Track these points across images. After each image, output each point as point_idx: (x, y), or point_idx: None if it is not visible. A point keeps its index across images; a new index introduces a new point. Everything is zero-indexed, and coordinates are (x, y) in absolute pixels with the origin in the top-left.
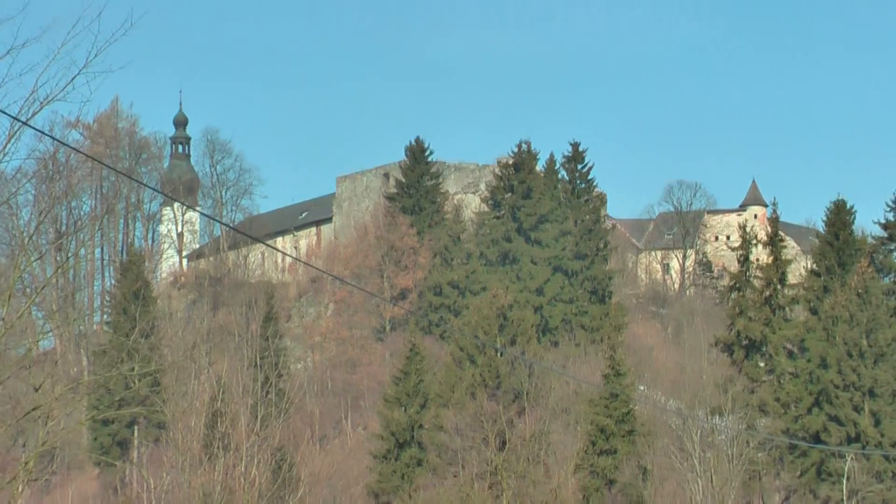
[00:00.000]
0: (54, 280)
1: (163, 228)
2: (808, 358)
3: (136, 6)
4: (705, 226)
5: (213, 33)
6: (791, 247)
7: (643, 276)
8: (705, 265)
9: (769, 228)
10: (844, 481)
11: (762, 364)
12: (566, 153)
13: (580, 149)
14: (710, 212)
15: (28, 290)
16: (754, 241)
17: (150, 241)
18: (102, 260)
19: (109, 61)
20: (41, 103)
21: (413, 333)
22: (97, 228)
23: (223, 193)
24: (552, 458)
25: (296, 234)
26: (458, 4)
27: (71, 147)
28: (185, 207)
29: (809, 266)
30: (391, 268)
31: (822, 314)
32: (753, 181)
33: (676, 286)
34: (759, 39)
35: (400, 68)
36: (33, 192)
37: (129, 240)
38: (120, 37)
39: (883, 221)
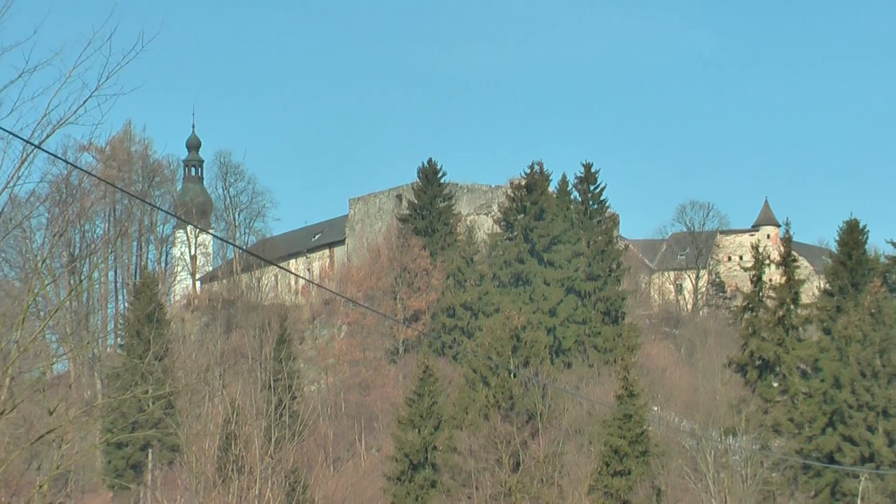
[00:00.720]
0: (68, 303)
1: (176, 251)
2: (822, 378)
3: (147, 29)
4: (718, 246)
5: (225, 56)
6: (804, 267)
7: (656, 296)
8: (718, 285)
9: (782, 248)
10: (859, 501)
11: (776, 384)
12: (578, 174)
13: (592, 169)
14: (722, 232)
15: (42, 313)
16: (767, 262)
17: (163, 264)
18: (116, 283)
19: (121, 84)
20: (53, 126)
21: (426, 355)
22: (110, 251)
23: (236, 216)
24: (566, 479)
25: (309, 256)
26: (470, 24)
27: (84, 170)
28: (198, 230)
29: (822, 286)
30: (404, 289)
31: (836, 334)
32: (766, 201)
33: (689, 307)
34: (772, 59)
35: (412, 89)
36: (46, 215)
37: (143, 263)
38: (131, 59)
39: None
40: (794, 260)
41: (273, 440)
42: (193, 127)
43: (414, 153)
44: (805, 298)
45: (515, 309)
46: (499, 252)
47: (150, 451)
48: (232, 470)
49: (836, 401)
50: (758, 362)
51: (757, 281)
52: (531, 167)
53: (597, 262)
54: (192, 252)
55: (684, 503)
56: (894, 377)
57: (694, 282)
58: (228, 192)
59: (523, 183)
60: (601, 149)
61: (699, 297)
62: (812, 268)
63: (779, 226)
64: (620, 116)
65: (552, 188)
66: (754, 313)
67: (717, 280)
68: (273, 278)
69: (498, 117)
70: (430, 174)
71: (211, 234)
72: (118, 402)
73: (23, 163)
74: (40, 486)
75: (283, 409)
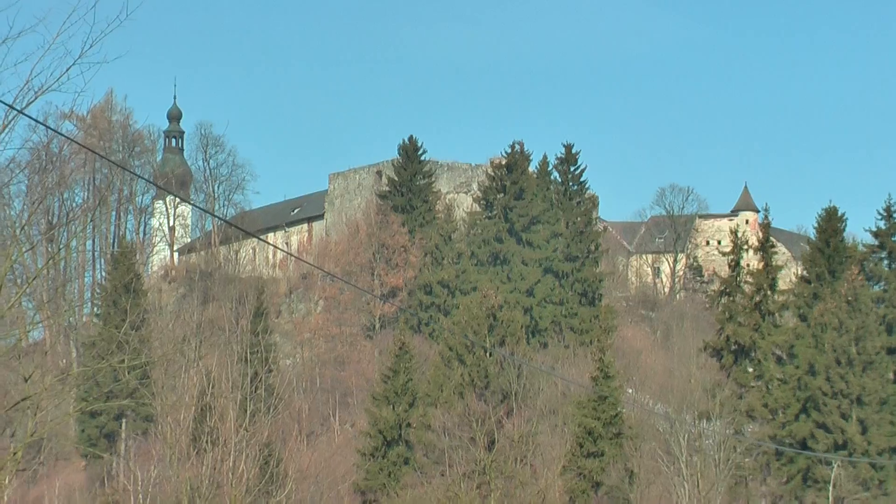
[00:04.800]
0: (45, 271)
1: (154, 222)
2: (797, 364)
3: None
4: (696, 230)
5: (208, 28)
6: (782, 253)
7: (633, 279)
8: (696, 269)
9: (760, 234)
10: (830, 488)
11: (751, 369)
12: (559, 155)
13: (573, 151)
14: (701, 216)
15: (19, 280)
16: (745, 247)
17: (141, 234)
18: (94, 252)
19: (104, 52)
20: (36, 93)
21: (402, 332)
22: (89, 220)
23: (215, 188)
24: (539, 459)
25: (287, 230)
26: (454, 3)
27: (66, 136)
28: (177, 201)
29: (800, 272)
30: (382, 266)
31: (812, 321)
32: (745, 186)
33: (666, 290)
34: (753, 44)
35: (395, 66)
36: (26, 182)
37: (121, 232)
38: (115, 28)
39: (874, 229)
40: (772, 246)
41: (248, 413)
42: (175, 98)
43: (395, 130)
44: (782, 284)
45: (493, 288)
46: (477, 231)
47: (123, 420)
48: (206, 441)
49: (810, 387)
50: (733, 347)
51: (734, 266)
52: (512, 147)
53: (575, 244)
54: (171, 223)
55: (656, 486)
56: (869, 365)
57: (672, 265)
58: (208, 163)
59: (503, 162)
60: (582, 130)
61: (676, 280)
62: (790, 254)
63: (757, 211)
64: (602, 98)
65: (532, 168)
66: (731, 298)
67: (694, 264)
68: (251, 251)
69: (480, 96)
70: (410, 151)
71: (191, 203)
72: (93, 371)
73: (4, 129)
74: (14, 453)
75: (259, 383)
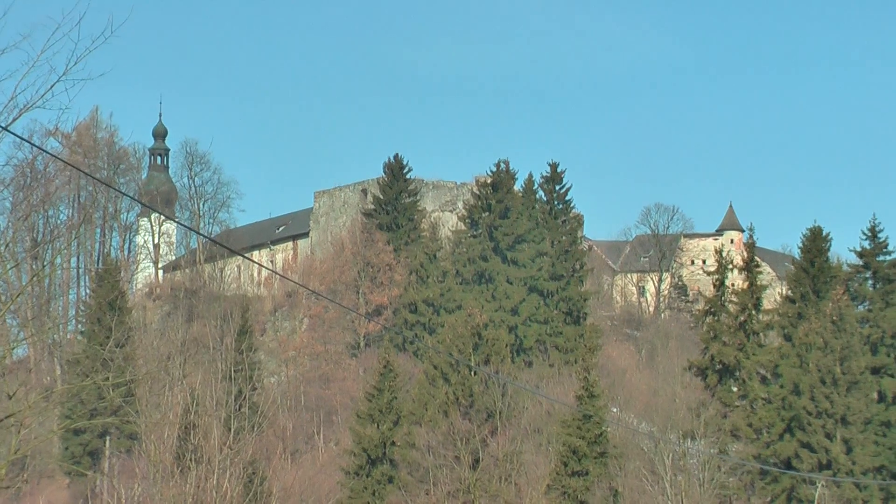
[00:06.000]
0: (29, 288)
1: (139, 239)
2: (782, 384)
3: (116, 14)
4: (681, 249)
5: (194, 46)
6: (766, 272)
7: (618, 298)
8: (681, 289)
9: (745, 253)
10: None
11: (735, 389)
12: (544, 173)
13: (558, 169)
14: (686, 235)
15: (3, 297)
16: (730, 266)
17: (126, 252)
18: (78, 269)
19: (89, 69)
20: (20, 110)
21: (387, 350)
22: (74, 237)
23: (201, 206)
24: (524, 478)
25: (272, 248)
26: (441, 21)
27: (52, 154)
28: (162, 219)
29: (784, 292)
30: (367, 284)
31: (797, 341)
32: (730, 206)
33: (651, 309)
34: (739, 64)
35: (380, 84)
36: (10, 199)
37: (106, 250)
38: (100, 45)
39: (858, 249)
40: (757, 265)
41: (232, 431)
42: (160, 115)
43: (380, 148)
44: (767, 304)
45: (478, 306)
46: (462, 249)
47: (107, 438)
48: (190, 459)
49: (794, 407)
50: (718, 366)
51: (719, 285)
52: (497, 165)
53: (560, 262)
54: (156, 241)
55: None
56: (854, 385)
57: (656, 284)
58: (193, 181)
59: (489, 181)
60: (568, 149)
61: (661, 299)
62: (774, 274)
63: (742, 231)
64: (588, 117)
65: (518, 187)
66: (716, 317)
67: (679, 283)
68: (236, 269)
69: (465, 114)
70: (395, 169)
71: (176, 221)
72: (78, 389)
73: None
74: None
75: (243, 401)
